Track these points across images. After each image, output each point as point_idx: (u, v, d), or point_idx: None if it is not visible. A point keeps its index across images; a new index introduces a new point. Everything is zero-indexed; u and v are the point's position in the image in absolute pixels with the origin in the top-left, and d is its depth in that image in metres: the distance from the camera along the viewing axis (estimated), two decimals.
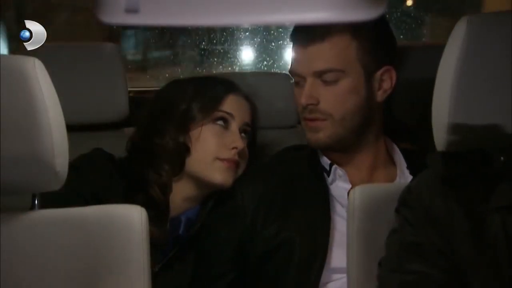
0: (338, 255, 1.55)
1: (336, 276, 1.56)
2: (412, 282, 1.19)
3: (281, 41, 3.22)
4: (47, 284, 1.32)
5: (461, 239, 1.17)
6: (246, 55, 3.36)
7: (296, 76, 1.62)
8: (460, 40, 1.11)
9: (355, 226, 1.40)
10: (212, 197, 1.72)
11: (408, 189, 1.26)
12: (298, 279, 1.54)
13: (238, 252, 1.62)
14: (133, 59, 3.64)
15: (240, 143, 1.68)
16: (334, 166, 1.62)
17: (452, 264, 1.17)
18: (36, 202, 1.35)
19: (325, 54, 1.56)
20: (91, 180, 1.63)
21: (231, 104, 1.72)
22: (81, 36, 3.31)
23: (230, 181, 1.67)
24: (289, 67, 1.66)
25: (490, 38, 1.12)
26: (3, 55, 1.56)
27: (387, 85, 1.61)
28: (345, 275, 1.53)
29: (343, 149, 1.63)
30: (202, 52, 3.42)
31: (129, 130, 1.91)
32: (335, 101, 1.57)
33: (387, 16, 3.02)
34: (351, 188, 1.58)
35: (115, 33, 3.30)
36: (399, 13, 3.36)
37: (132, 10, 0.75)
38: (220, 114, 1.70)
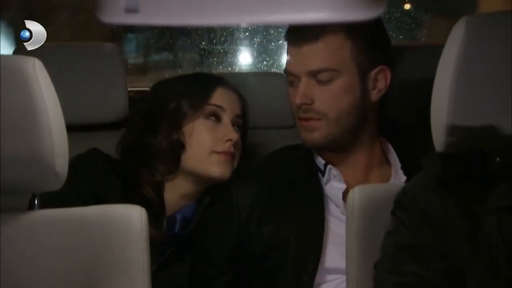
0: (332, 256, 1.55)
1: (330, 277, 1.56)
2: (407, 284, 1.19)
3: (281, 41, 3.22)
4: (47, 284, 1.32)
5: (457, 240, 1.17)
6: (246, 55, 3.36)
7: (290, 75, 1.62)
8: (459, 40, 1.11)
9: (354, 227, 1.40)
10: (208, 193, 1.72)
11: (404, 190, 1.26)
12: (293, 279, 1.55)
13: (234, 252, 1.62)
14: (134, 62, 3.64)
15: (234, 135, 1.69)
16: (329, 166, 1.62)
17: (449, 265, 1.17)
18: (35, 202, 1.35)
19: (319, 53, 1.57)
20: (90, 180, 1.63)
21: (220, 97, 1.72)
22: (81, 36, 3.31)
23: (228, 173, 1.68)
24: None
25: (489, 38, 1.12)
26: (3, 55, 1.56)
27: (381, 84, 1.61)
28: (339, 276, 1.54)
29: (337, 149, 1.63)
30: (202, 53, 3.41)
31: None
32: (330, 100, 1.57)
33: (387, 16, 3.02)
34: (346, 188, 1.59)
35: (117, 37, 3.30)
36: (399, 13, 3.36)
37: (132, 10, 0.75)
38: (210, 108, 1.70)
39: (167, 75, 3.48)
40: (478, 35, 1.12)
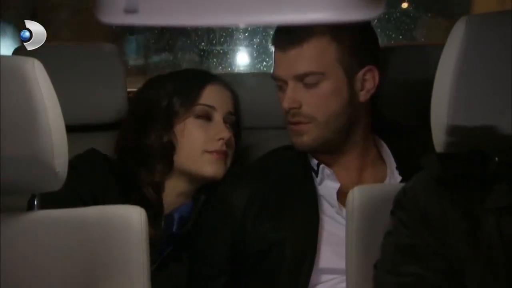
0: (327, 255, 1.55)
1: (325, 277, 1.56)
2: (407, 284, 1.19)
3: None
4: (47, 284, 1.32)
5: (457, 240, 1.17)
6: (245, 55, 3.36)
7: (277, 80, 1.62)
8: (459, 40, 1.11)
9: (354, 227, 1.40)
10: (203, 191, 1.72)
11: (403, 190, 1.26)
12: (289, 279, 1.55)
13: (231, 252, 1.62)
14: (134, 63, 3.65)
15: (226, 133, 1.69)
16: (322, 165, 1.63)
17: (448, 265, 1.17)
18: (35, 202, 1.35)
19: (304, 57, 1.57)
20: (89, 180, 1.63)
21: (211, 95, 1.71)
22: (81, 36, 3.31)
23: (221, 172, 1.68)
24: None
25: (489, 38, 1.12)
26: (3, 56, 1.56)
27: (370, 84, 1.61)
28: (335, 276, 1.54)
29: (329, 151, 1.63)
30: (202, 53, 3.42)
31: None
32: (317, 104, 1.57)
33: (386, 16, 3.02)
34: (340, 186, 1.59)
35: (118, 38, 3.31)
36: (398, 13, 3.37)
37: (131, 10, 0.75)
38: (200, 108, 1.69)
39: None
40: (478, 35, 1.11)
